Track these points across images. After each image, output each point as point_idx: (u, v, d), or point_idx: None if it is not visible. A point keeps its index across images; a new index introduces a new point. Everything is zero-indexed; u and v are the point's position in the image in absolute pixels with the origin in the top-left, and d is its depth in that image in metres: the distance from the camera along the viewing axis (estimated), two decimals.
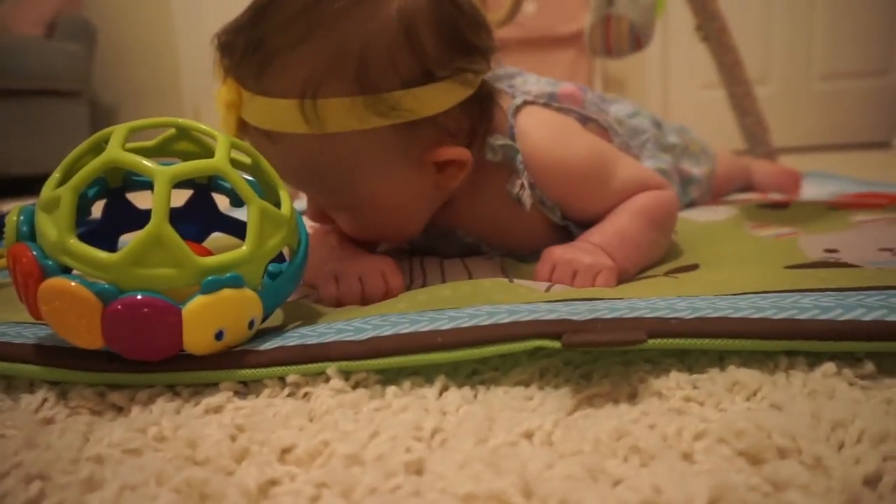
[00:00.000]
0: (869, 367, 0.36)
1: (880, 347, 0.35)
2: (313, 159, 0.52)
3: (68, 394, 0.39)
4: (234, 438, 0.33)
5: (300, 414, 0.35)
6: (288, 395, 0.38)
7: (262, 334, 0.42)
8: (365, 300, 0.53)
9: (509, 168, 0.59)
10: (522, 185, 0.59)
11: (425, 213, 0.59)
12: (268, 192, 0.47)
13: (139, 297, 0.36)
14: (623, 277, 0.56)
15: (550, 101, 0.65)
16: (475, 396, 0.36)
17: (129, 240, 0.38)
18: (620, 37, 1.26)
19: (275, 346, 0.39)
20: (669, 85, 2.77)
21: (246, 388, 0.39)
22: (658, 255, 0.63)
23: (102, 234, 0.49)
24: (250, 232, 0.41)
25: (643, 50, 1.27)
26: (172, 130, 0.46)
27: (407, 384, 0.37)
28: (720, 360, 0.38)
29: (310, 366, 0.38)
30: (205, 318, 0.38)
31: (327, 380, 0.38)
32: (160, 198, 0.37)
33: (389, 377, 0.38)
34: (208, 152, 0.45)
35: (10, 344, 0.41)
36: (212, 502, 0.27)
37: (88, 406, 0.38)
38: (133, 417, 0.36)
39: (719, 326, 0.36)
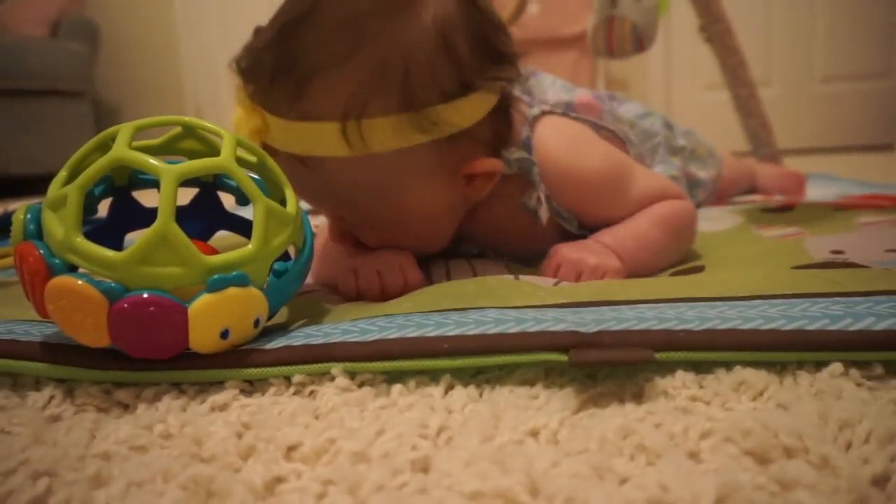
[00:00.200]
0: (877, 368, 0.36)
1: (890, 357, 0.35)
2: (351, 182, 0.50)
3: (75, 391, 0.39)
4: (240, 436, 0.33)
5: (306, 412, 0.35)
6: (294, 393, 0.38)
7: (268, 333, 0.42)
8: (384, 294, 0.52)
9: (525, 180, 0.58)
10: (539, 199, 0.59)
11: (453, 226, 0.58)
12: (273, 191, 0.47)
13: (145, 295, 0.36)
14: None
15: (568, 111, 0.65)
16: (481, 395, 0.36)
17: (135, 238, 0.39)
18: (623, 38, 1.26)
19: (280, 345, 0.40)
20: (672, 86, 2.77)
21: (251, 386, 0.39)
22: (671, 264, 0.62)
23: (108, 233, 0.49)
24: (256, 230, 0.41)
25: (646, 51, 1.27)
26: (178, 129, 0.46)
27: (412, 383, 0.37)
28: (726, 360, 0.37)
29: (315, 366, 0.38)
30: (210, 317, 0.38)
31: (333, 378, 0.38)
32: (166, 196, 0.37)
33: (395, 376, 0.38)
34: (214, 150, 0.45)
35: (17, 342, 0.41)
36: (218, 499, 0.27)
37: (95, 403, 0.38)
38: (139, 415, 0.36)
39: (729, 339, 0.36)
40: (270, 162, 0.47)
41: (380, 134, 0.48)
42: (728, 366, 0.36)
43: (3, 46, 2.46)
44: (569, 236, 0.63)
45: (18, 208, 0.42)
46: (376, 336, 0.39)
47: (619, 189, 0.61)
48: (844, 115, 2.62)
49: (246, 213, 0.47)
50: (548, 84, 0.72)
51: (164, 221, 0.37)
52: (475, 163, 0.53)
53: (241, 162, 0.45)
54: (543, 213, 0.58)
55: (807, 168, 1.49)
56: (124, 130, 0.41)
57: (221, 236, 0.53)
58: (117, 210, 0.50)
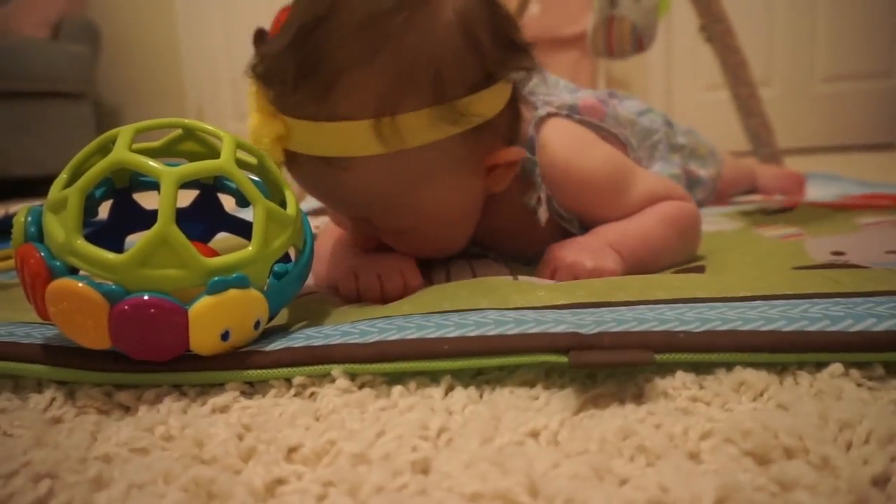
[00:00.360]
0: (877, 368, 0.35)
1: (891, 358, 0.35)
2: (382, 181, 0.49)
3: (76, 393, 0.39)
4: (240, 438, 0.33)
5: (306, 413, 0.35)
6: (294, 395, 0.38)
7: (268, 335, 0.42)
8: (384, 298, 0.52)
9: (527, 180, 0.58)
10: (539, 199, 0.59)
11: (474, 222, 0.58)
12: (273, 192, 0.47)
13: (146, 297, 0.36)
14: None
15: (572, 114, 0.65)
16: (481, 396, 0.36)
17: (135, 240, 0.39)
18: (623, 38, 1.26)
19: (280, 347, 0.40)
20: (673, 86, 2.77)
21: (252, 388, 0.39)
22: (674, 264, 0.62)
23: (109, 235, 0.50)
24: (256, 232, 0.41)
25: (646, 51, 1.27)
26: (178, 131, 0.46)
27: (413, 384, 0.37)
28: (727, 361, 0.37)
29: (315, 367, 0.38)
30: (211, 319, 0.38)
31: (333, 380, 0.38)
32: (166, 199, 0.37)
33: (395, 377, 0.38)
34: (214, 153, 0.45)
35: (19, 344, 0.41)
36: (219, 501, 0.27)
37: (96, 405, 0.38)
38: (140, 417, 0.36)
39: (729, 340, 0.36)
40: (270, 163, 0.47)
41: (414, 128, 0.47)
42: (728, 366, 0.36)
43: (5, 48, 2.47)
44: (570, 236, 0.63)
45: (19, 210, 0.42)
46: (376, 337, 0.39)
47: (620, 190, 0.61)
48: (846, 114, 2.62)
49: (246, 214, 0.47)
50: (551, 83, 0.72)
51: (165, 224, 0.37)
52: (499, 153, 0.53)
53: (241, 164, 0.45)
54: (543, 214, 0.58)
55: (808, 167, 1.49)
56: (124, 133, 0.41)
57: (222, 238, 0.53)
58: (118, 212, 0.50)
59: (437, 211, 0.53)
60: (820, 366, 0.36)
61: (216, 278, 0.38)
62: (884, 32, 2.54)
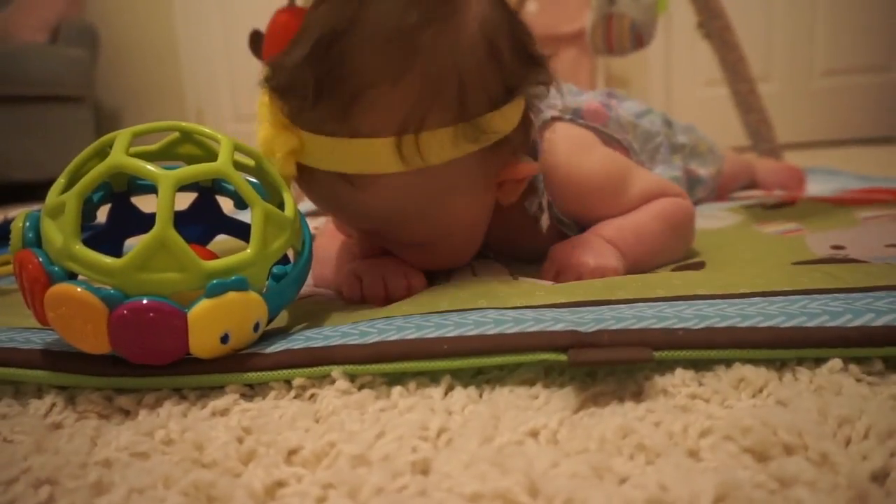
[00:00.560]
0: (877, 363, 0.35)
1: (890, 353, 0.35)
2: (400, 197, 0.48)
3: (76, 398, 0.39)
4: (240, 440, 0.33)
5: (306, 415, 0.35)
6: (294, 397, 0.38)
7: (268, 337, 0.42)
8: (388, 300, 0.52)
9: (529, 185, 0.57)
10: (540, 206, 0.58)
11: (484, 233, 0.57)
12: (271, 194, 0.47)
13: (145, 301, 0.36)
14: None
15: (576, 118, 0.65)
16: (480, 396, 0.36)
17: (134, 243, 0.39)
18: (622, 35, 1.26)
19: (280, 349, 0.40)
20: (672, 82, 2.76)
21: (252, 391, 0.39)
22: (671, 260, 0.62)
23: (108, 238, 0.50)
24: (254, 235, 0.41)
25: (645, 48, 1.27)
26: (176, 134, 0.46)
27: (412, 384, 0.37)
28: (726, 357, 0.37)
29: (315, 369, 0.38)
30: (210, 322, 0.38)
31: (333, 381, 0.38)
32: (164, 202, 0.37)
33: (395, 377, 0.38)
34: (212, 155, 0.45)
35: (19, 350, 0.41)
36: None
37: (96, 410, 0.38)
38: (140, 421, 0.36)
39: (727, 337, 0.36)
40: (268, 165, 0.47)
41: (436, 147, 0.46)
42: (727, 363, 0.36)
43: (4, 53, 2.47)
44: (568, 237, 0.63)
45: (17, 216, 0.42)
46: (375, 338, 0.39)
47: (619, 191, 0.61)
48: (845, 108, 2.62)
49: (244, 216, 0.47)
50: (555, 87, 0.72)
51: (163, 227, 0.37)
52: (515, 168, 0.52)
53: (239, 166, 0.45)
54: (544, 221, 0.58)
55: (807, 162, 1.49)
56: (122, 137, 0.41)
57: (221, 240, 0.53)
58: (116, 216, 0.50)
59: (450, 226, 0.53)
60: (819, 361, 0.36)
61: (215, 281, 0.38)
62: (882, 26, 2.54)
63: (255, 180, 0.47)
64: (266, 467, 0.30)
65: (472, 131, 0.47)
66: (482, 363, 0.37)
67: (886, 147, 2.29)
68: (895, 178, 1.18)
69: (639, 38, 1.26)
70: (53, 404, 0.39)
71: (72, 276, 0.39)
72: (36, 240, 0.40)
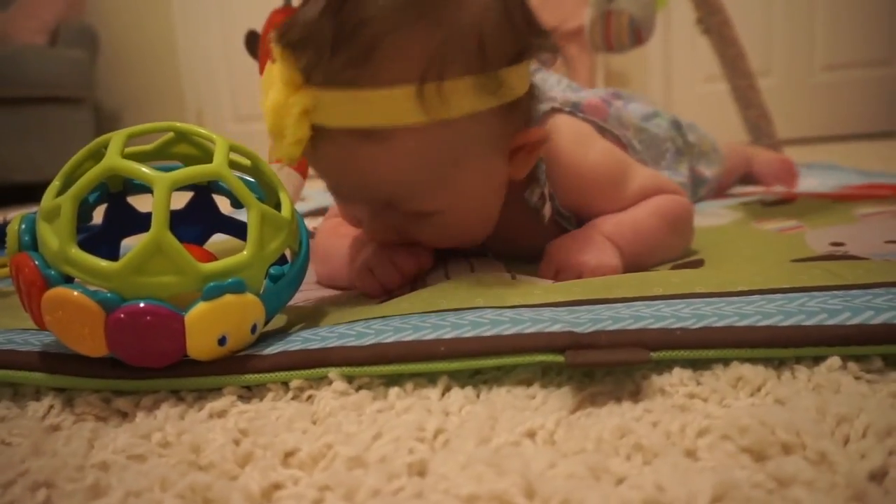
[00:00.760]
0: (876, 361, 0.35)
1: (889, 350, 0.35)
2: (422, 154, 0.47)
3: (74, 400, 0.39)
4: (237, 443, 0.33)
5: (303, 417, 0.35)
6: (292, 398, 0.38)
7: (265, 338, 0.42)
8: (404, 280, 0.52)
9: (530, 175, 0.57)
10: (542, 196, 0.58)
11: (497, 213, 0.56)
12: (268, 194, 0.47)
13: (141, 304, 0.36)
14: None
15: (575, 111, 0.65)
16: (478, 396, 0.36)
17: (131, 244, 0.39)
18: (621, 32, 1.26)
19: (277, 350, 0.40)
20: (672, 79, 2.76)
21: (249, 392, 0.39)
22: (669, 258, 0.62)
23: (104, 239, 0.50)
24: (251, 236, 0.41)
25: (644, 45, 1.27)
26: (171, 134, 0.46)
27: (410, 385, 0.37)
28: (724, 357, 0.37)
29: (312, 371, 0.38)
30: (207, 324, 0.38)
31: (330, 382, 0.38)
32: (160, 205, 0.37)
33: (392, 378, 0.38)
34: (207, 154, 0.45)
35: (17, 352, 0.41)
36: None
37: (94, 412, 0.38)
38: (138, 423, 0.36)
39: (725, 336, 0.36)
40: (264, 165, 0.47)
41: (458, 96, 0.45)
42: (726, 362, 0.36)
43: (4, 55, 2.47)
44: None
45: (13, 218, 0.42)
46: (373, 340, 0.39)
47: (618, 184, 0.61)
48: (845, 103, 2.61)
49: (241, 215, 0.47)
50: (553, 81, 0.71)
51: (159, 230, 0.37)
52: (528, 132, 0.52)
53: (235, 165, 0.45)
54: (547, 211, 0.58)
55: (807, 157, 1.49)
56: (117, 138, 0.41)
57: (219, 241, 0.53)
58: (112, 216, 0.50)
59: (467, 193, 0.51)
60: (818, 360, 0.36)
61: (212, 284, 0.38)
62: (882, 20, 2.53)
63: (251, 179, 0.47)
64: (263, 469, 0.30)
65: (493, 84, 0.47)
66: (479, 365, 0.37)
67: (886, 142, 2.29)
68: (895, 173, 1.18)
69: (637, 35, 1.26)
70: (51, 406, 0.39)
71: (68, 280, 0.39)
72: (32, 243, 0.40)
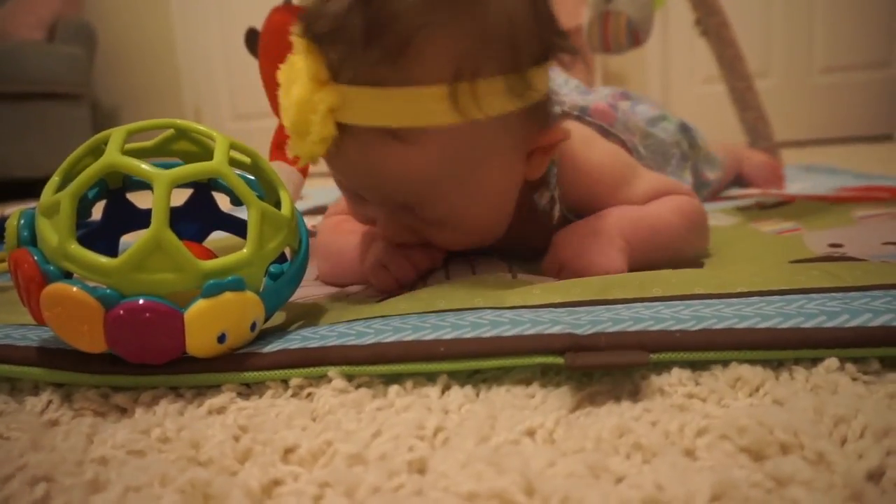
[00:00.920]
0: (873, 363, 0.35)
1: (887, 353, 0.35)
2: (448, 156, 0.46)
3: (72, 395, 0.39)
4: (237, 439, 0.33)
5: (303, 414, 0.35)
6: (291, 396, 0.38)
7: (265, 336, 0.42)
8: (418, 273, 0.52)
9: (539, 178, 0.56)
10: (552, 199, 0.58)
11: (512, 213, 0.56)
12: (268, 192, 0.47)
13: (141, 301, 0.36)
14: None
15: (583, 115, 0.65)
16: (477, 395, 0.36)
17: (130, 241, 0.39)
18: (618, 33, 1.26)
19: (277, 348, 0.40)
20: (670, 80, 2.77)
21: (249, 389, 0.39)
22: (685, 257, 0.60)
23: (103, 235, 0.49)
24: (251, 234, 0.41)
25: (641, 46, 1.27)
26: (171, 131, 0.46)
27: (409, 383, 0.37)
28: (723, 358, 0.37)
29: (312, 369, 0.38)
30: (207, 322, 0.38)
31: (330, 380, 0.38)
32: (160, 202, 0.37)
33: (392, 377, 0.38)
34: (207, 152, 0.45)
35: (15, 347, 0.41)
36: (215, 503, 0.27)
37: (92, 408, 0.38)
38: (137, 419, 0.36)
39: (725, 338, 0.36)
40: (264, 163, 0.47)
41: (489, 97, 0.44)
42: (724, 362, 0.36)
43: (1, 51, 2.46)
44: None
45: (12, 214, 0.42)
46: (372, 339, 0.39)
47: (625, 184, 0.60)
48: (844, 105, 2.62)
49: (241, 213, 0.47)
50: (561, 81, 0.71)
51: (158, 228, 0.37)
52: (547, 133, 0.51)
53: (235, 163, 0.45)
54: (556, 213, 0.58)
55: (805, 159, 1.49)
56: (116, 135, 0.41)
57: (219, 238, 0.53)
58: (111, 212, 0.50)
59: (486, 194, 0.51)
60: (816, 361, 0.36)
61: (211, 281, 0.38)
62: (881, 23, 2.54)
63: (251, 177, 0.47)
64: (262, 466, 0.30)
65: (521, 85, 0.46)
66: (479, 366, 0.37)
67: (885, 144, 2.29)
68: (893, 175, 1.19)
69: (635, 36, 1.26)
70: (50, 401, 0.39)
71: (67, 276, 0.39)
72: (31, 238, 0.40)
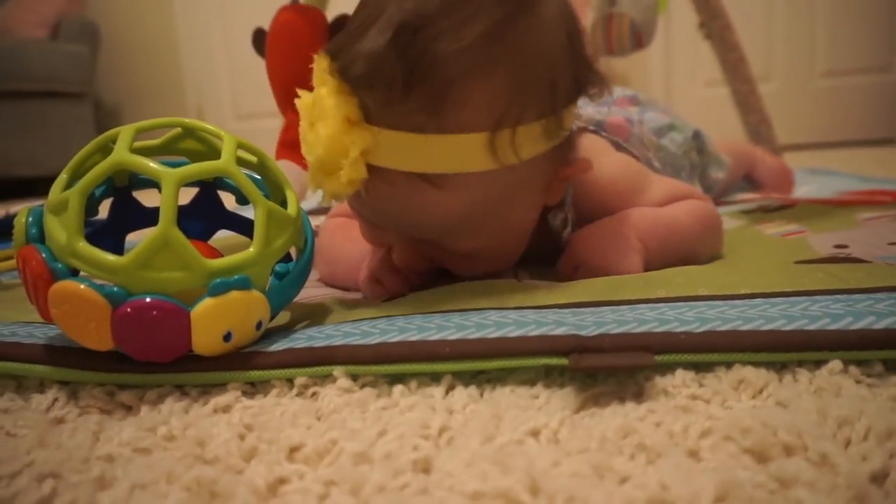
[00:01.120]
0: (877, 365, 0.36)
1: (890, 355, 0.35)
2: (478, 198, 0.46)
3: (79, 393, 0.39)
4: (242, 437, 0.33)
5: (308, 413, 0.35)
6: (296, 395, 0.38)
7: (270, 335, 0.42)
8: (410, 288, 0.52)
9: None
10: (565, 219, 0.58)
11: (528, 237, 0.55)
12: (274, 191, 0.47)
13: (148, 299, 0.36)
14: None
15: (599, 130, 0.64)
16: (481, 395, 0.36)
17: (136, 239, 0.39)
18: (622, 35, 1.26)
19: (282, 347, 0.40)
20: (673, 83, 2.77)
21: (254, 388, 0.39)
22: (701, 260, 0.60)
23: (110, 233, 0.50)
24: (257, 233, 0.41)
25: (645, 48, 1.27)
26: (178, 129, 0.46)
27: (414, 383, 0.37)
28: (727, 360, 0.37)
29: (317, 368, 0.38)
30: (213, 320, 0.38)
31: (335, 379, 0.38)
32: (167, 200, 0.37)
33: (396, 376, 0.38)
34: (214, 151, 0.45)
35: (21, 344, 0.42)
36: (221, 500, 0.28)
37: (98, 406, 0.38)
38: (142, 417, 0.36)
39: (729, 340, 0.36)
40: (271, 162, 0.47)
41: (528, 142, 0.44)
42: (728, 364, 0.36)
43: (4, 49, 2.47)
44: None
45: (20, 211, 0.42)
46: (378, 339, 0.39)
47: (639, 192, 0.60)
48: (845, 109, 2.62)
49: (247, 212, 0.47)
50: None
51: (166, 226, 0.37)
52: (572, 165, 0.51)
53: (242, 162, 0.45)
54: (566, 235, 0.57)
55: (808, 163, 1.49)
56: (125, 133, 0.41)
57: (225, 237, 0.53)
58: (118, 210, 0.50)
59: (512, 228, 0.51)
60: (819, 363, 0.36)
61: (218, 280, 0.38)
62: (883, 27, 2.54)
63: (257, 177, 0.47)
64: (268, 464, 0.30)
65: (555, 126, 0.46)
66: (483, 366, 0.37)
67: (887, 148, 2.29)
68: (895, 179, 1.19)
69: (638, 39, 1.26)
70: (55, 399, 0.39)
71: (75, 273, 0.39)
72: (39, 235, 0.40)
